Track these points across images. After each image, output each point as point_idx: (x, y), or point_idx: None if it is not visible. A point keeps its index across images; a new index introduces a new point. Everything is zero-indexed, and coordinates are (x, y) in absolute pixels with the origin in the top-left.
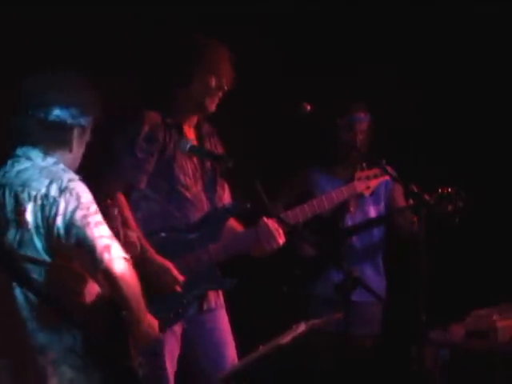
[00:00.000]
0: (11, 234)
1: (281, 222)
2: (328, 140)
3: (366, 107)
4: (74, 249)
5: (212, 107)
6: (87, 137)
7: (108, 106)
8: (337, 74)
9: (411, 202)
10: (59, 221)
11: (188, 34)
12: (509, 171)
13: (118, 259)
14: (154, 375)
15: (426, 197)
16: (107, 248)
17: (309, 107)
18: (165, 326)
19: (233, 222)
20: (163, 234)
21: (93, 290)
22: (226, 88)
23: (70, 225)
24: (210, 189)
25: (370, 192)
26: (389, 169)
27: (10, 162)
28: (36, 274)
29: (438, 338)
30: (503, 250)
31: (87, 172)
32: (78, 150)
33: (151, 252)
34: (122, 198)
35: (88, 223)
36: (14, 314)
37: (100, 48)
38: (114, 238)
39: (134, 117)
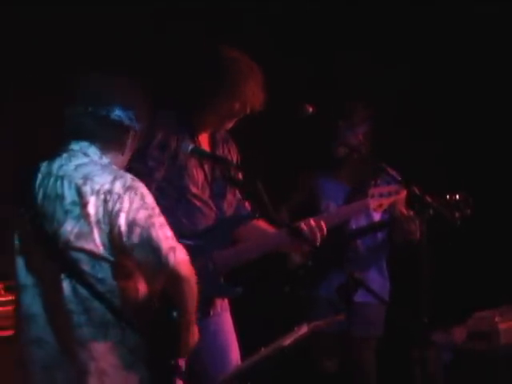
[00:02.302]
0: (69, 226)
1: (282, 224)
2: (329, 142)
3: (368, 108)
4: (134, 247)
5: (228, 127)
6: (135, 144)
7: None
8: (338, 75)
9: (414, 206)
10: (122, 218)
11: (217, 49)
12: (510, 173)
13: (183, 261)
14: None
15: (428, 199)
16: (173, 249)
17: (311, 109)
18: None
19: (263, 225)
20: None
21: (142, 288)
22: (248, 112)
23: (133, 223)
24: (220, 196)
25: (382, 209)
26: (390, 170)
27: (65, 156)
28: (89, 267)
29: (440, 340)
30: (505, 252)
31: None
32: (127, 154)
33: None
34: None
35: (153, 223)
36: (58, 307)
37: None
38: (176, 240)
39: (148, 122)
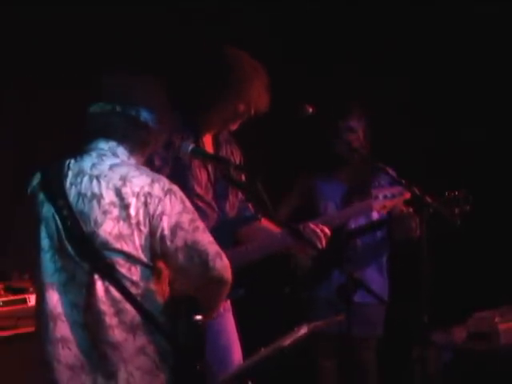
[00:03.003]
0: (108, 227)
1: (283, 225)
2: (329, 142)
3: (362, 107)
4: (178, 250)
5: (233, 128)
6: (152, 148)
7: None
8: (337, 75)
9: (413, 205)
10: (165, 221)
11: (221, 50)
12: (510, 173)
13: (228, 267)
14: None
15: (428, 199)
16: (219, 254)
17: (310, 109)
18: None
19: (268, 224)
20: None
21: (167, 292)
22: (253, 114)
23: (176, 227)
24: (222, 197)
25: (386, 211)
26: (389, 170)
27: (95, 154)
28: (125, 269)
29: (440, 340)
30: (505, 252)
31: None
32: (145, 157)
33: None
34: None
35: (197, 227)
36: (89, 308)
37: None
38: None
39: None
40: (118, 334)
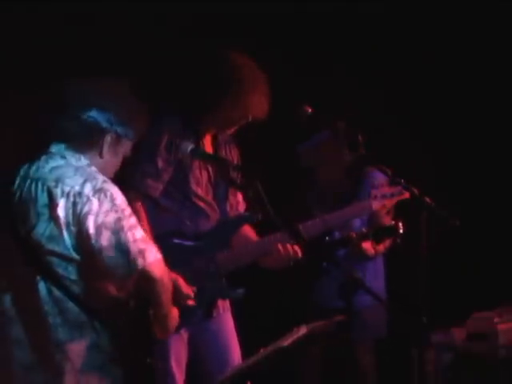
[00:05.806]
0: (41, 228)
1: (281, 226)
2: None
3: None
4: (102, 250)
5: (231, 131)
6: (124, 149)
7: None
8: (337, 76)
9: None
10: (90, 220)
11: (221, 56)
12: (508, 175)
13: (153, 263)
14: (159, 380)
15: (427, 199)
16: (142, 252)
17: (309, 109)
18: None
19: (248, 231)
20: (172, 240)
21: (114, 289)
22: (250, 120)
23: (101, 226)
24: (222, 197)
25: (386, 211)
26: (388, 170)
27: (43, 158)
28: (61, 268)
29: (439, 341)
30: (504, 253)
31: None
32: (109, 158)
33: None
34: (141, 210)
35: (122, 226)
36: (35, 309)
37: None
38: (148, 240)
39: (154, 124)
40: (62, 334)
